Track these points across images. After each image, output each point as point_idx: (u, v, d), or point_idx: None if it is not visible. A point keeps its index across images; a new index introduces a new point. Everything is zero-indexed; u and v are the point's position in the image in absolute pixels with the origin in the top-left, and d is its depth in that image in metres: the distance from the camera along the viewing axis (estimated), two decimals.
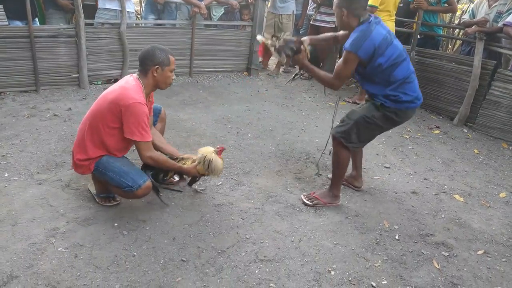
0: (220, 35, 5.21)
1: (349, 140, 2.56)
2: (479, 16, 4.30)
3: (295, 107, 4.59)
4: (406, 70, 2.43)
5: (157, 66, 2.25)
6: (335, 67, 2.48)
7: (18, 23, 4.03)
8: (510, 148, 4.03)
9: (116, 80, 4.67)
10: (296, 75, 3.02)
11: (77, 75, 4.34)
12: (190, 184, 2.66)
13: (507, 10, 4.08)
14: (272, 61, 6.16)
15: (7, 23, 3.90)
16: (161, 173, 2.53)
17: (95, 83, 4.53)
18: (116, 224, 2.29)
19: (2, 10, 3.85)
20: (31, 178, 2.67)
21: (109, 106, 2.21)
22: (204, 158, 2.42)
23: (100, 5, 4.36)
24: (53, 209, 2.37)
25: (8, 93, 3.99)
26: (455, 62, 4.56)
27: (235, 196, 2.68)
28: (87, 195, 2.54)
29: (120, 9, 4.35)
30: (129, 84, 2.27)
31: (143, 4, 5.28)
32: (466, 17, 4.58)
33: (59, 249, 2.06)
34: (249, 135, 3.70)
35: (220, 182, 2.83)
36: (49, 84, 4.23)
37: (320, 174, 3.09)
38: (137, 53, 4.54)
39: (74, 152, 2.38)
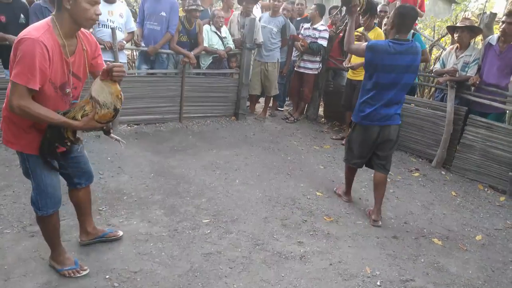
0: (208, 82, 5.46)
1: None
2: (448, 66, 4.63)
3: (281, 151, 4.77)
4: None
5: None
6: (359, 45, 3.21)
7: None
8: (486, 190, 4.23)
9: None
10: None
11: None
12: (107, 133, 2.30)
13: (473, 61, 4.43)
14: (259, 106, 6.41)
15: (4, 75, 4.06)
16: (57, 143, 2.10)
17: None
18: (107, 276, 2.36)
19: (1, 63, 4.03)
20: (24, 230, 2.73)
21: (12, 54, 1.86)
22: (91, 97, 1.99)
23: None
24: (45, 262, 2.43)
25: (1, 142, 4.09)
26: (431, 108, 4.85)
27: (223, 245, 2.78)
28: (78, 246, 2.61)
29: (113, 60, 4.57)
30: (36, 23, 1.93)
31: (135, 53, 5.52)
32: (437, 66, 4.92)
33: None
34: (237, 181, 3.83)
35: (209, 231, 2.93)
36: None
37: None
38: (130, 101, 4.75)
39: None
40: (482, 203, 3.92)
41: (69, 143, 2.13)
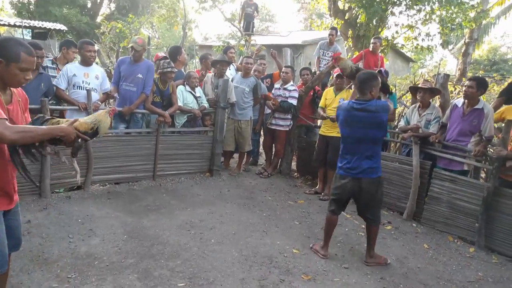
0: (183, 140, 5.52)
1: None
2: (412, 123, 4.93)
3: (256, 208, 4.77)
4: None
5: (0, 60, 1.99)
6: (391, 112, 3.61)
7: None
8: (456, 241, 4.35)
9: (79, 187, 4.73)
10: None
11: (38, 184, 4.35)
12: (73, 154, 2.34)
13: (434, 119, 4.75)
14: (233, 161, 6.49)
15: None
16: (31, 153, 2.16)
17: (57, 191, 4.54)
18: None
19: None
20: None
21: None
22: (95, 116, 2.34)
23: (67, 117, 4.58)
24: None
25: None
26: (398, 162, 5.07)
27: None
28: None
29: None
30: None
31: None
32: (402, 123, 5.22)
33: None
34: (213, 240, 3.78)
35: None
36: None
37: None
38: (103, 160, 4.70)
39: None
40: (453, 255, 4.01)
41: (44, 151, 2.17)
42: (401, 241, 4.24)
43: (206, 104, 5.66)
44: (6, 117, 1.94)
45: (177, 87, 5.44)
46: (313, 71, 6.96)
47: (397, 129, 5.39)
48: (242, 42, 9.96)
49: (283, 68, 6.16)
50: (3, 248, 2.13)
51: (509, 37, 26.31)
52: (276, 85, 6.13)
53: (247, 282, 3.10)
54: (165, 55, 5.94)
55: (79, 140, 2.22)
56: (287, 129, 6.05)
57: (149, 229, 3.88)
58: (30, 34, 11.74)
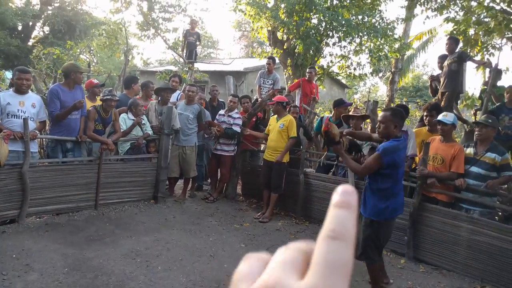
0: (126, 167, 5.47)
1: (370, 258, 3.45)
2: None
3: (203, 233, 4.82)
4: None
5: None
6: (367, 160, 3.31)
7: None
8: (388, 254, 4.72)
9: (12, 221, 4.47)
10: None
11: None
12: None
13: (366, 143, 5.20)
14: (178, 187, 6.49)
15: None
16: None
17: None
18: None
19: None
20: None
21: None
22: None
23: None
24: None
25: None
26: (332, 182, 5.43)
27: None
28: None
29: (23, 150, 4.41)
30: None
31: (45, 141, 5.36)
32: None
33: None
34: (159, 267, 3.77)
35: None
36: None
37: None
38: (41, 191, 4.57)
39: None
40: (387, 267, 4.34)
41: None
42: None
43: (150, 131, 5.68)
44: None
45: (120, 114, 5.42)
46: (255, 98, 7.27)
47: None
48: (186, 69, 10.11)
49: (230, 97, 6.37)
50: None
51: (429, 66, 29.18)
52: (221, 112, 6.32)
53: None
54: (98, 82, 5.92)
55: None
56: (232, 154, 6.22)
57: (92, 260, 3.77)
58: None
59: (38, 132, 4.70)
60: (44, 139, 5.19)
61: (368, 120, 6.03)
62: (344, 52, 10.65)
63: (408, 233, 4.58)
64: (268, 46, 13.20)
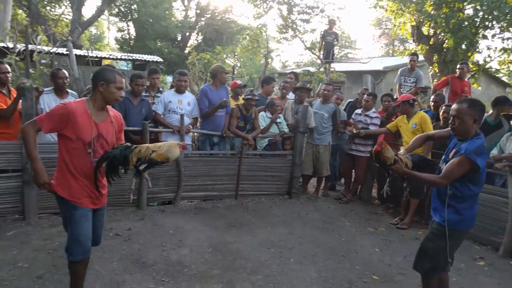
0: (264, 163, 5.78)
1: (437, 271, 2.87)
2: (507, 151, 4.60)
3: (335, 232, 4.78)
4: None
5: (102, 82, 2.54)
6: (446, 167, 2.66)
7: None
8: None
9: (170, 202, 5.19)
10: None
11: (136, 197, 4.88)
12: (135, 174, 2.77)
13: None
14: (311, 185, 6.56)
15: None
16: (120, 164, 2.62)
17: (152, 204, 5.03)
18: None
19: None
20: None
21: None
22: (163, 145, 2.70)
23: (163, 138, 5.11)
24: None
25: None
26: (491, 193, 4.72)
27: None
28: None
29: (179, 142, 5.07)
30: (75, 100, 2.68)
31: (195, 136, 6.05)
32: (494, 151, 4.89)
33: None
34: (292, 259, 3.88)
35: None
36: (113, 205, 4.75)
37: None
38: (191, 178, 5.07)
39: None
40: None
41: (127, 168, 2.63)
42: (496, 279, 3.91)
43: (286, 129, 5.89)
44: (41, 128, 2.44)
45: (259, 112, 5.76)
46: (394, 97, 6.85)
47: (490, 158, 5.05)
48: (322, 69, 10.15)
49: (365, 96, 6.17)
50: (87, 241, 2.60)
51: None
52: (358, 111, 6.15)
53: None
54: (241, 83, 6.35)
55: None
56: (368, 155, 5.99)
57: (232, 244, 4.11)
58: (131, 66, 13.20)
59: (191, 127, 5.35)
60: (195, 133, 5.84)
61: None
62: (507, 44, 9.20)
63: None
64: (412, 43, 12.28)
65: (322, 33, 10.28)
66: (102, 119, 2.62)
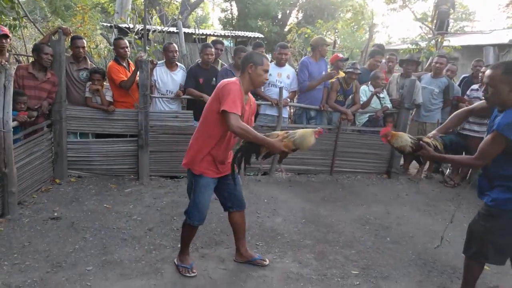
0: (362, 139, 5.55)
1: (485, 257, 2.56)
2: None
3: (439, 216, 4.42)
4: None
5: (251, 64, 2.63)
6: (480, 146, 2.40)
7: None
8: None
9: (265, 173, 5.34)
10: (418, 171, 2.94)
11: None
12: (279, 160, 2.89)
13: None
14: (414, 166, 6.13)
15: (193, 123, 4.97)
16: (252, 154, 2.72)
17: (248, 174, 5.23)
18: None
19: (192, 113, 4.96)
20: (196, 252, 3.20)
21: (213, 95, 2.64)
22: (298, 132, 2.65)
23: (261, 111, 5.22)
24: (212, 281, 2.80)
25: (182, 177, 4.91)
26: None
27: None
28: (240, 272, 2.92)
29: (277, 115, 5.13)
30: (229, 79, 2.72)
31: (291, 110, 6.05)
32: None
33: None
34: (388, 239, 3.71)
35: (358, 283, 2.90)
36: None
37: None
38: None
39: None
40: None
41: (259, 157, 2.74)
42: None
43: (389, 105, 5.54)
44: (240, 114, 2.53)
45: (361, 87, 5.51)
46: None
47: None
48: (433, 42, 9.23)
49: (483, 68, 5.46)
50: (204, 208, 2.79)
51: None
52: (474, 86, 5.49)
53: (424, 285, 2.95)
54: (342, 56, 6.07)
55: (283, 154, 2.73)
56: (483, 136, 5.33)
57: (325, 217, 4.08)
58: (234, 43, 13.71)
59: (289, 100, 5.36)
60: (292, 107, 5.84)
61: None
62: None
63: None
64: None
65: (436, 1, 9.29)
66: (245, 101, 2.72)
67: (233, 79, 2.70)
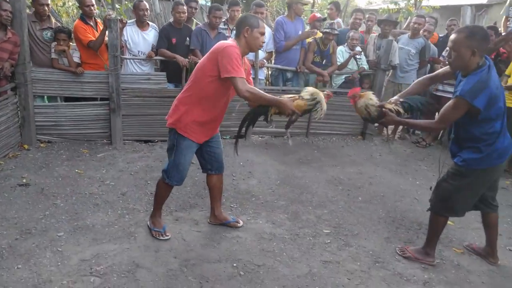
0: (339, 101, 5.53)
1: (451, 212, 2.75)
2: None
3: (409, 175, 4.54)
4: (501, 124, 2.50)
5: (247, 27, 2.53)
6: (441, 111, 2.48)
7: (171, 86, 4.94)
8: None
9: (241, 136, 5.30)
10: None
11: None
12: (287, 126, 2.85)
13: None
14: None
15: (166, 86, 4.83)
16: (261, 115, 2.71)
17: (225, 137, 5.19)
18: (234, 265, 2.62)
19: (165, 75, 4.82)
20: (171, 215, 3.21)
21: (208, 57, 2.54)
22: (313, 97, 2.65)
23: None
24: (186, 243, 2.83)
25: (157, 141, 4.85)
26: None
27: (343, 256, 2.81)
28: (214, 234, 2.96)
29: (253, 76, 5.03)
30: (226, 41, 2.66)
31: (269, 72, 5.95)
32: None
33: (189, 278, 2.45)
34: (360, 198, 3.81)
35: (329, 241, 2.99)
36: None
37: None
38: None
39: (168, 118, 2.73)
40: None
41: (268, 119, 2.70)
42: None
43: (365, 66, 5.51)
44: (244, 77, 2.45)
45: (338, 47, 5.43)
46: (499, 31, 5.95)
47: None
48: (412, 1, 9.09)
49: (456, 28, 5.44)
50: (184, 170, 2.76)
51: None
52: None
53: (392, 241, 3.07)
54: (320, 16, 5.91)
55: (293, 116, 2.65)
56: None
57: (300, 179, 4.14)
58: (209, 0, 13.15)
59: (265, 61, 5.25)
60: (269, 68, 5.74)
61: None
62: None
63: None
64: None
65: None
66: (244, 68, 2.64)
67: (230, 41, 2.60)
